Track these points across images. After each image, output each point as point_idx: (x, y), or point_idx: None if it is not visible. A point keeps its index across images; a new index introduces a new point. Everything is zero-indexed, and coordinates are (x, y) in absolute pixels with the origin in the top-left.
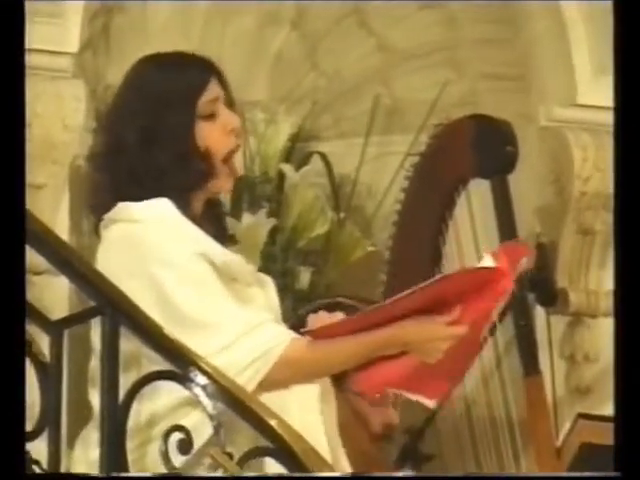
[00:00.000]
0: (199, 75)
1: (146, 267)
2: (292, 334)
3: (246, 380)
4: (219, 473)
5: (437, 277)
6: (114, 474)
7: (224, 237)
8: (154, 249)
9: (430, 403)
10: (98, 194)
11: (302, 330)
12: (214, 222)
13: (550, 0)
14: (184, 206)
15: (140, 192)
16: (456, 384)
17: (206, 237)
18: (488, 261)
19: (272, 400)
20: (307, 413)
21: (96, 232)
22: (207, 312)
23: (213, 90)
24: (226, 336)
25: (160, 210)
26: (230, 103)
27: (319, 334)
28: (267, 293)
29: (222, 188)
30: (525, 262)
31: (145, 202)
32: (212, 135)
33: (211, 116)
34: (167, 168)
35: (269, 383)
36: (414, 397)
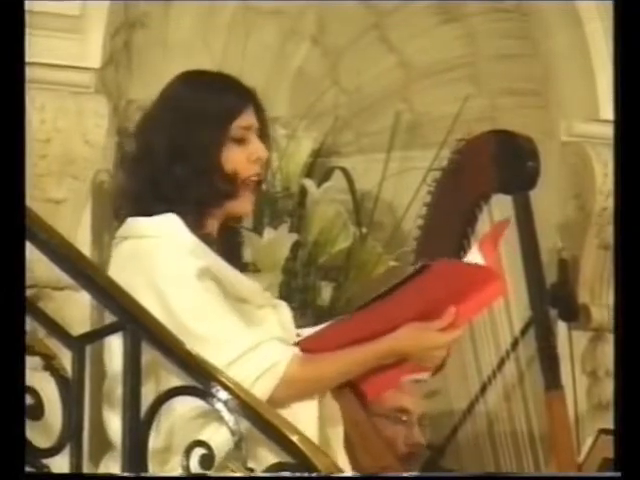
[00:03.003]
0: (237, 100)
1: (152, 282)
2: (294, 351)
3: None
4: None
5: (419, 265)
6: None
7: (240, 264)
8: (161, 264)
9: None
10: (120, 198)
11: (295, 341)
12: (231, 247)
13: (571, 13)
14: (198, 223)
15: (159, 202)
16: None
17: (214, 255)
18: (476, 256)
19: None
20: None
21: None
22: (211, 328)
23: (248, 118)
24: (230, 352)
25: (168, 226)
26: (264, 135)
27: (311, 343)
28: (280, 316)
29: (241, 210)
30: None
31: (154, 218)
32: (237, 159)
33: (241, 141)
34: (190, 182)
35: (272, 402)
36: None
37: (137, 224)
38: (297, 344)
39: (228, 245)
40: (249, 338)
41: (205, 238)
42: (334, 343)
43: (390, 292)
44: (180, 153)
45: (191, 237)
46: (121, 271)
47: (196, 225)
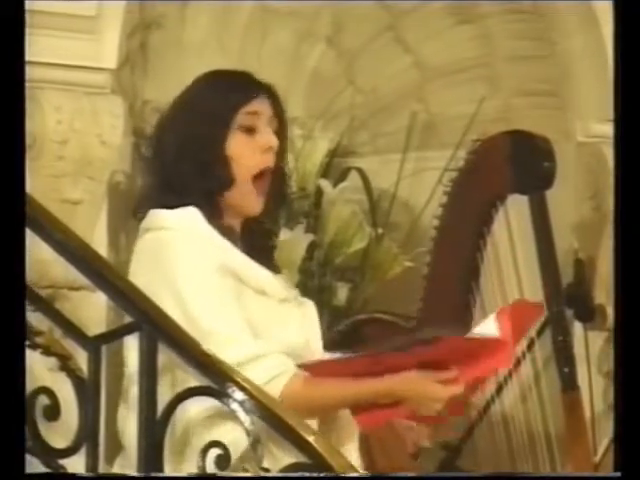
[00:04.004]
0: (246, 89)
1: (169, 275)
2: (295, 368)
3: None
4: None
5: (432, 337)
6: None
7: (267, 260)
8: (178, 258)
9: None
10: (138, 198)
11: (299, 364)
12: (257, 244)
13: (587, 14)
14: (213, 216)
15: (171, 198)
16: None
17: (232, 248)
18: (491, 326)
19: None
20: None
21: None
22: (222, 325)
23: (258, 105)
24: (241, 351)
25: (188, 219)
26: (281, 132)
27: (317, 370)
28: (305, 313)
29: (251, 209)
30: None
31: (175, 210)
32: (245, 149)
33: (250, 130)
34: (199, 173)
35: None
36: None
37: (158, 216)
38: (301, 366)
39: (252, 242)
40: (256, 345)
41: (226, 232)
42: (337, 373)
43: (400, 349)
44: (188, 148)
45: (210, 230)
46: (140, 262)
47: (214, 217)
